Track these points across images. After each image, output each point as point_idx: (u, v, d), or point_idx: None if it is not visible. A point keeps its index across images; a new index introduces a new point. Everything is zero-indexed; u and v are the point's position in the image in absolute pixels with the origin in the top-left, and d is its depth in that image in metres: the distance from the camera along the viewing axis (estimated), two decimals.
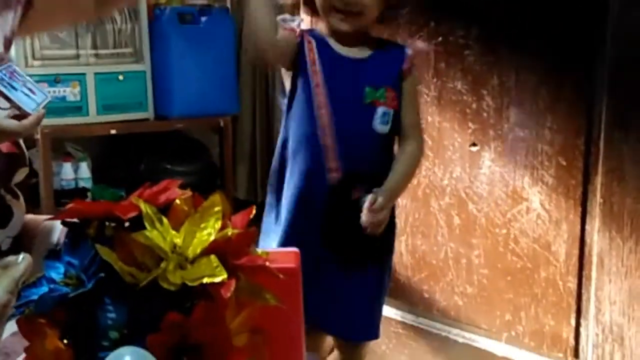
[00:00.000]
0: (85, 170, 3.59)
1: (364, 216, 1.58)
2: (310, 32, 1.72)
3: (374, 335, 1.82)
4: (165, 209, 0.98)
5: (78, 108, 3.57)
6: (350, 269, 1.69)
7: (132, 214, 0.94)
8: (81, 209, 0.94)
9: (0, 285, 0.81)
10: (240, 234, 0.97)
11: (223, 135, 3.89)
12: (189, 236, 0.94)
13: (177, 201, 0.98)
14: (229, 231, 0.96)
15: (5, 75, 1.02)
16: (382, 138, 1.66)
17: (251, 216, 1.04)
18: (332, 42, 1.69)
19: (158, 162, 3.78)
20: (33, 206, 3.31)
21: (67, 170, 3.53)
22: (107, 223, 0.95)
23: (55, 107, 3.37)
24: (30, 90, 1.07)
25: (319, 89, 1.63)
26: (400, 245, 2.30)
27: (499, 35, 2.06)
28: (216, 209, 0.98)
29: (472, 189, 2.15)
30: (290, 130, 1.70)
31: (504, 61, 2.05)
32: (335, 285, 1.69)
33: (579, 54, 1.92)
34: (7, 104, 1.01)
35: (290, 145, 1.70)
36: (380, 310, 1.84)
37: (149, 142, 3.85)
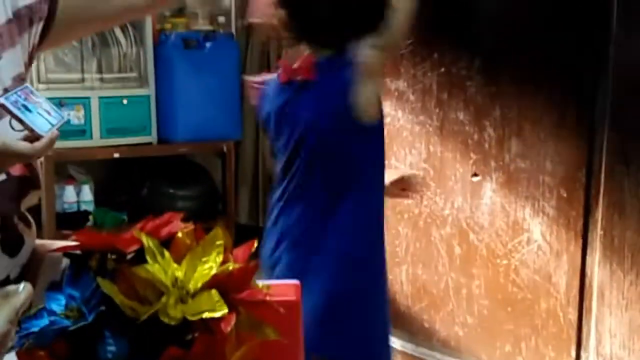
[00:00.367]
0: (87, 193, 3.60)
1: None
2: None
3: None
4: (167, 242, 0.98)
5: (82, 131, 3.58)
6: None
7: (134, 247, 0.94)
8: (83, 241, 0.94)
9: (1, 315, 0.81)
10: (242, 268, 0.98)
11: (226, 160, 3.90)
12: (190, 270, 0.95)
13: (179, 234, 0.98)
14: (230, 265, 0.96)
15: (20, 97, 1.03)
16: None
17: (253, 249, 1.04)
18: None
19: (160, 186, 3.79)
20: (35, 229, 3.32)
21: (69, 193, 3.54)
22: (109, 255, 0.95)
23: (60, 130, 3.38)
24: (46, 111, 1.08)
25: None
26: (401, 274, 2.30)
27: (501, 67, 2.07)
28: (218, 242, 0.99)
29: (473, 219, 2.15)
30: None
31: (505, 92, 2.07)
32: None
33: (581, 86, 1.93)
34: (20, 126, 1.01)
35: None
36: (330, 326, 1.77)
37: (152, 166, 3.86)
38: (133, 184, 3.80)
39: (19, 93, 1.03)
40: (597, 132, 1.90)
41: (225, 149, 3.88)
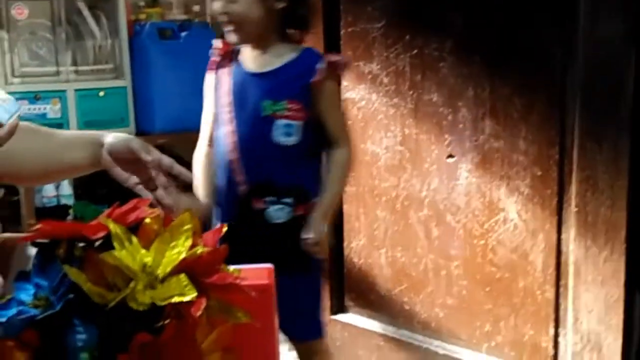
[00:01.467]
0: (66, 187, 3.58)
1: (307, 245, 1.66)
2: (233, 51, 1.76)
3: (313, 335, 1.83)
4: (135, 228, 0.98)
5: (59, 125, 3.56)
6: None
7: (101, 234, 0.94)
8: (50, 230, 0.94)
9: None
10: (211, 252, 0.98)
11: None
12: (158, 255, 0.95)
13: (147, 220, 0.98)
14: (199, 249, 0.96)
15: None
16: (289, 149, 1.67)
17: (222, 234, 1.04)
18: (245, 58, 1.72)
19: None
20: (14, 224, 3.30)
21: (48, 187, 3.52)
22: (76, 243, 0.95)
23: (35, 123, 3.36)
24: (1, 100, 1.08)
25: (227, 106, 1.68)
26: (380, 257, 2.31)
27: (472, 48, 2.08)
28: (186, 227, 0.99)
29: (449, 200, 2.16)
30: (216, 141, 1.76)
31: (478, 73, 2.07)
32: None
33: (551, 67, 1.94)
34: None
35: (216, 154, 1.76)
36: (314, 311, 1.83)
37: None
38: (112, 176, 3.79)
39: None
40: (569, 111, 1.91)
41: None
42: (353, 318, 2.41)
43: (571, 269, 1.95)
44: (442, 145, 2.16)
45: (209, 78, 1.75)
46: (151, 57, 3.72)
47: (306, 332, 1.79)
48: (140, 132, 3.76)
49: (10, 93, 1.09)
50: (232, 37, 1.67)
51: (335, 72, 1.68)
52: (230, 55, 1.74)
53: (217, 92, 1.72)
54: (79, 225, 0.93)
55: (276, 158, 1.66)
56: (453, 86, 2.13)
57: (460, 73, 2.11)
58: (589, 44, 1.86)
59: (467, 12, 2.08)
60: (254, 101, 1.67)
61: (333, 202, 1.74)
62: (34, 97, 3.46)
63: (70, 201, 3.58)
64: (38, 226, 0.95)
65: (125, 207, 0.99)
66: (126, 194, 3.50)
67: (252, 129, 1.66)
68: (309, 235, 1.65)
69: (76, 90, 3.60)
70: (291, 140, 1.65)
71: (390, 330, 2.35)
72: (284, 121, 1.66)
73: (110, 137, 1.19)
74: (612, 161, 1.85)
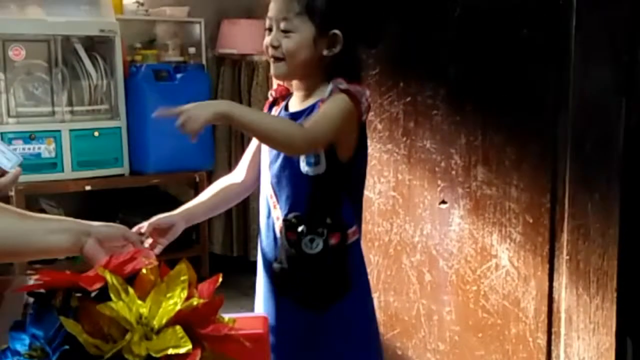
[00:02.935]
0: None
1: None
2: (287, 95, 1.76)
3: None
4: (132, 278, 0.99)
5: (53, 164, 3.57)
6: (308, 312, 1.69)
7: (98, 285, 0.95)
8: (47, 280, 0.95)
9: None
10: (206, 303, 0.99)
11: (198, 190, 3.89)
12: (154, 306, 0.95)
13: (144, 271, 0.99)
14: (195, 301, 0.97)
15: None
16: (315, 180, 1.66)
17: (217, 284, 1.05)
18: (291, 101, 1.73)
19: (133, 218, 3.75)
20: (6, 263, 3.29)
21: None
22: (73, 293, 0.96)
23: (30, 164, 3.38)
24: (2, 152, 1.12)
25: (267, 148, 1.69)
26: (373, 302, 2.31)
27: (465, 96, 2.11)
28: (182, 278, 1.00)
29: (442, 245, 2.18)
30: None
31: (470, 121, 2.10)
32: (296, 328, 1.68)
33: (543, 115, 1.97)
34: None
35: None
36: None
37: (124, 197, 3.85)
38: (105, 216, 3.78)
39: None
40: (560, 160, 1.94)
41: (197, 179, 3.89)
42: None
43: (563, 317, 1.96)
44: (435, 192, 2.18)
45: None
46: (146, 98, 3.75)
47: None
48: (133, 172, 3.78)
49: (5, 133, 1.12)
50: (275, 71, 1.68)
51: (348, 92, 1.66)
52: (284, 98, 1.76)
53: None
54: (76, 275, 0.94)
55: (306, 189, 1.66)
56: (446, 133, 2.15)
57: (453, 121, 2.14)
58: (580, 94, 1.89)
59: (460, 61, 2.12)
60: None
61: (241, 114, 1.53)
62: (29, 137, 3.48)
63: None
64: (36, 276, 0.95)
65: (122, 257, 1.00)
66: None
67: (283, 164, 1.67)
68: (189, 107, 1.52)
69: (71, 130, 3.62)
70: (319, 170, 1.64)
71: None
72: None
73: (101, 227, 1.19)
74: (603, 210, 1.87)
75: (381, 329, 2.33)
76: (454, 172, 2.14)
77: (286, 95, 1.77)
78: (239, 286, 3.15)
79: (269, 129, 1.55)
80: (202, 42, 4.16)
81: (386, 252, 2.29)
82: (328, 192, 1.65)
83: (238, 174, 1.80)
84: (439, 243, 2.19)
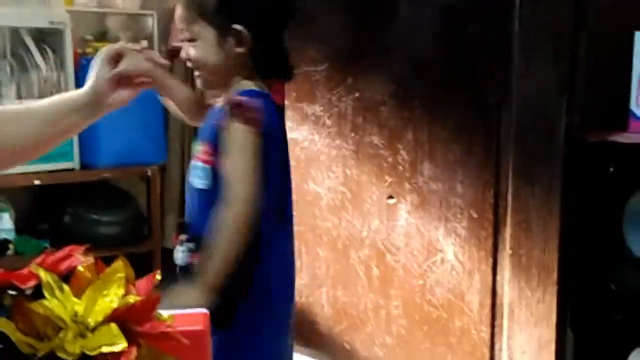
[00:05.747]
0: (7, 221, 3.52)
1: None
2: None
3: None
4: (67, 276, 0.98)
5: None
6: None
7: (32, 283, 0.94)
8: None
9: None
10: (143, 300, 0.99)
11: (151, 185, 3.87)
12: (90, 303, 0.95)
13: (80, 268, 0.99)
14: (132, 298, 0.97)
15: None
16: (201, 193, 1.57)
17: (155, 281, 1.05)
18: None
19: (84, 213, 3.73)
20: None
21: None
22: (6, 292, 0.95)
23: None
24: None
25: None
26: (321, 296, 2.33)
27: (412, 93, 2.14)
28: (119, 275, 0.99)
29: (389, 240, 2.20)
30: None
31: (417, 117, 2.13)
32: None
33: (487, 111, 2.01)
34: None
35: None
36: None
37: (75, 192, 3.80)
38: (55, 210, 3.74)
39: None
40: (503, 156, 1.97)
41: (149, 173, 3.86)
42: (294, 356, 2.41)
43: (506, 310, 2.00)
44: (383, 187, 2.21)
45: None
46: None
47: None
48: (84, 166, 3.73)
49: None
50: (198, 82, 1.61)
51: (244, 115, 1.58)
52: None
53: None
54: (9, 273, 0.93)
55: (193, 201, 1.61)
56: (393, 129, 2.18)
57: (401, 117, 2.16)
58: (523, 91, 1.93)
59: (407, 57, 2.14)
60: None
61: (213, 276, 1.44)
62: None
63: (11, 236, 3.52)
64: None
65: (58, 255, 0.99)
66: (68, 229, 3.46)
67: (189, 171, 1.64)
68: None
69: None
70: (203, 184, 1.56)
71: None
72: (196, 163, 1.61)
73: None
74: (545, 204, 1.91)
75: (329, 324, 2.35)
76: (401, 168, 2.17)
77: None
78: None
79: (226, 251, 1.45)
80: (155, 35, 4.12)
81: (334, 247, 2.31)
82: (209, 209, 1.55)
83: None
84: (387, 238, 2.21)
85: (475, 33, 2.03)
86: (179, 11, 1.56)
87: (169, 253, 4.15)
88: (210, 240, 1.44)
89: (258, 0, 1.56)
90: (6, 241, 3.49)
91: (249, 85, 1.55)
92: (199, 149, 1.57)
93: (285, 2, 1.62)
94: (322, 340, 2.35)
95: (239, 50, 1.53)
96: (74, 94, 1.37)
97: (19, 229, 3.57)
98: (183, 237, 1.57)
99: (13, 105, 1.28)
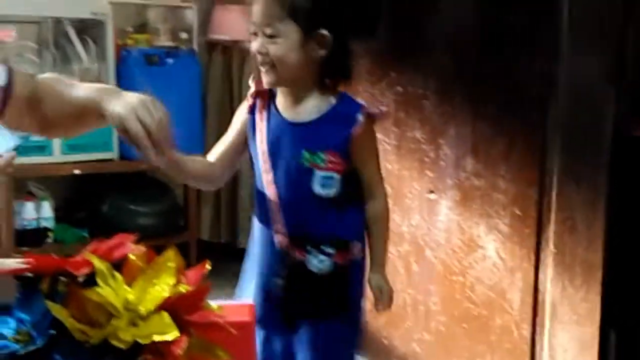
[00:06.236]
0: (47, 210, 3.56)
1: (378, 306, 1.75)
2: (268, 92, 1.72)
3: None
4: (119, 264, 0.99)
5: (42, 147, 3.55)
6: (302, 328, 1.69)
7: (85, 270, 0.95)
8: (34, 264, 0.95)
9: None
10: (193, 290, 0.99)
11: None
12: (142, 292, 0.96)
13: (131, 256, 0.99)
14: (182, 287, 0.97)
15: None
16: (328, 200, 1.65)
17: (205, 272, 1.05)
18: (280, 104, 1.69)
19: (122, 203, 3.76)
20: None
21: (28, 210, 3.50)
22: (60, 278, 0.96)
23: (19, 146, 3.36)
24: (1, 136, 1.11)
25: (264, 155, 1.65)
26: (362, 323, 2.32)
27: (455, 88, 2.12)
28: (170, 264, 1.00)
29: (429, 236, 2.19)
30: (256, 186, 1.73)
31: (460, 112, 2.11)
32: (290, 345, 1.69)
33: (532, 107, 1.98)
34: None
35: (255, 198, 1.73)
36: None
37: (113, 182, 3.83)
38: (94, 200, 3.78)
39: None
40: (548, 152, 1.95)
41: None
42: None
43: (548, 308, 1.97)
44: (424, 182, 2.19)
45: (241, 114, 1.72)
46: (137, 83, 3.72)
47: None
48: (123, 157, 3.76)
49: None
50: (266, 78, 1.63)
51: (374, 123, 1.66)
52: (265, 98, 1.70)
53: (252, 137, 1.69)
54: (64, 260, 0.94)
55: (316, 208, 1.64)
56: (436, 124, 2.16)
57: (443, 111, 2.14)
58: (570, 84, 1.90)
59: (449, 51, 2.12)
60: (292, 151, 1.64)
61: (384, 258, 1.76)
62: None
63: (50, 224, 3.56)
64: (24, 260, 0.95)
65: (110, 243, 1.00)
66: (106, 219, 3.50)
67: (292, 179, 1.63)
68: (379, 304, 1.75)
69: None
70: (331, 192, 1.63)
71: None
72: (323, 173, 1.63)
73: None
74: (590, 202, 1.88)
75: (368, 318, 2.34)
76: (443, 163, 2.15)
77: (266, 95, 1.72)
78: (226, 273, 3.15)
79: (387, 235, 1.77)
80: (194, 27, 4.14)
81: None
82: (337, 213, 1.64)
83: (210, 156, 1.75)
84: (427, 233, 2.20)
85: (519, 25, 2.00)
86: (260, 6, 1.57)
87: (204, 244, 4.17)
88: (374, 235, 1.72)
89: (349, 8, 1.60)
90: (46, 229, 3.54)
91: (334, 89, 1.62)
92: (324, 158, 1.61)
93: (371, 12, 1.68)
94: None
95: (321, 53, 1.57)
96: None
97: (58, 217, 3.62)
98: (308, 247, 1.60)
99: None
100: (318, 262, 1.61)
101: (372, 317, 2.33)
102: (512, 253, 2.03)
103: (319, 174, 1.61)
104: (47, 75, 1.32)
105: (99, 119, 1.25)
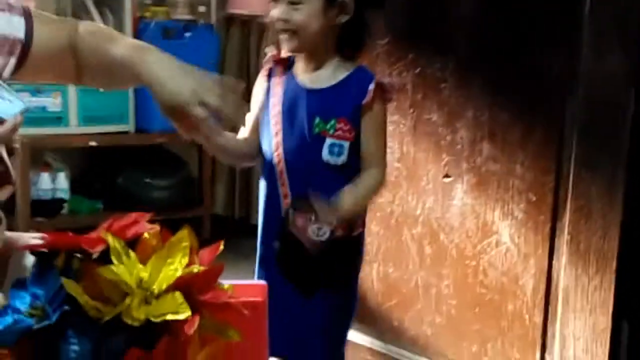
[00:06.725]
0: (63, 181, 3.59)
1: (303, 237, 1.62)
2: (288, 61, 1.73)
3: None
4: (133, 242, 0.99)
5: (59, 118, 3.57)
6: (303, 295, 1.70)
7: (100, 248, 0.95)
8: (49, 240, 0.95)
9: None
10: (206, 270, 0.99)
11: (202, 150, 3.90)
12: (155, 271, 0.96)
13: (145, 235, 0.99)
14: (195, 267, 0.98)
15: None
16: (336, 169, 1.65)
17: (218, 252, 1.05)
18: (299, 70, 1.70)
19: (137, 176, 3.78)
20: (8, 214, 3.31)
21: (44, 181, 3.52)
22: (75, 255, 0.96)
23: (36, 117, 3.37)
24: (8, 100, 1.08)
25: (276, 117, 1.66)
26: (372, 272, 2.33)
27: (474, 71, 2.10)
28: (183, 244, 1.00)
29: (444, 219, 2.18)
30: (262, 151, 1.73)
31: (478, 96, 2.09)
32: (292, 312, 1.69)
33: (552, 94, 1.96)
34: None
35: (262, 165, 1.73)
36: (338, 338, 1.82)
37: (129, 155, 3.85)
38: (109, 172, 3.80)
39: None
40: (566, 140, 1.93)
41: None
42: None
43: (560, 296, 1.97)
44: (439, 165, 2.18)
45: (260, 83, 1.73)
46: None
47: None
48: (138, 130, 3.77)
49: (10, 84, 1.10)
50: (287, 45, 1.64)
51: (385, 95, 1.66)
52: (284, 65, 1.72)
53: (267, 100, 1.70)
54: (78, 237, 0.94)
55: (322, 176, 1.64)
56: (453, 107, 2.14)
57: (461, 95, 2.13)
58: (591, 75, 1.88)
59: (471, 34, 2.10)
60: (304, 117, 1.65)
61: (351, 202, 1.65)
62: (35, 90, 3.47)
63: (65, 195, 3.59)
64: (40, 235, 0.96)
65: (125, 221, 1.00)
66: (121, 191, 3.51)
67: (301, 144, 1.64)
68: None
69: (77, 86, 3.61)
70: (339, 160, 1.63)
71: (378, 345, 2.36)
72: (333, 140, 1.64)
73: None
74: (607, 191, 1.86)
75: (379, 300, 2.35)
76: (459, 147, 2.14)
77: (285, 61, 1.73)
78: (239, 249, 3.16)
79: (365, 201, 1.72)
80: (213, 1, 4.12)
81: (388, 223, 2.30)
82: (344, 182, 1.64)
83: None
84: (441, 217, 2.19)
85: (543, 16, 1.97)
86: None
87: (218, 219, 4.17)
88: (352, 190, 1.66)
89: None
90: (61, 200, 3.57)
91: (351, 61, 1.62)
92: (335, 126, 1.61)
93: None
94: (370, 316, 2.35)
95: (341, 19, 1.58)
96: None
97: (73, 188, 3.64)
98: (311, 215, 1.60)
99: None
100: (317, 229, 1.61)
101: (383, 298, 2.33)
102: (526, 239, 2.02)
103: (328, 141, 1.62)
104: (88, 24, 1.26)
105: (136, 81, 1.17)
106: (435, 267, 2.21)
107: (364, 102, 1.63)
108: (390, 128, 2.26)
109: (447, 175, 2.17)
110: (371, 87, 1.63)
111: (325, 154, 1.63)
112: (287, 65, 1.72)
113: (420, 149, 2.22)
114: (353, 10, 1.62)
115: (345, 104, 1.64)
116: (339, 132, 1.63)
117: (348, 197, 1.64)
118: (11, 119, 1.04)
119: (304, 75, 1.69)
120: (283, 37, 1.63)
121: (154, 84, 1.13)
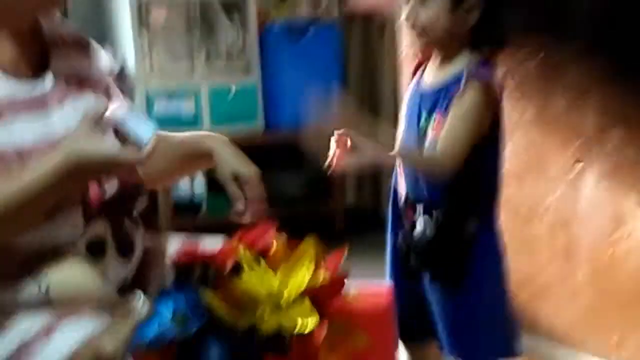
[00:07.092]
0: (200, 181, 3.74)
1: None
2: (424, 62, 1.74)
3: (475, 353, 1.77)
4: (262, 252, 1.05)
5: (194, 121, 3.73)
6: (442, 285, 1.69)
7: (232, 260, 1.01)
8: (187, 255, 1.03)
9: (118, 335, 0.87)
10: (333, 277, 1.03)
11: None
12: (284, 280, 1.01)
13: (274, 245, 1.05)
14: (322, 275, 1.02)
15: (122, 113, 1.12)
16: None
17: (344, 257, 1.09)
18: (428, 70, 1.70)
19: (268, 174, 3.88)
20: (152, 215, 3.49)
21: (183, 182, 3.69)
22: (210, 267, 1.03)
23: (171, 120, 3.54)
24: (143, 122, 1.15)
25: (401, 118, 1.70)
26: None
27: (602, 51, 2.02)
28: (310, 252, 1.05)
29: (574, 209, 2.12)
30: None
31: (608, 78, 2.02)
32: (431, 301, 1.69)
33: None
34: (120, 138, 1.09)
35: None
36: (484, 329, 1.78)
37: (259, 152, 3.95)
38: None
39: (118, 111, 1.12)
40: None
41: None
42: None
43: None
44: (568, 152, 2.12)
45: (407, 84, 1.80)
46: (279, 54, 3.82)
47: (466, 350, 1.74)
48: (268, 128, 3.88)
49: (151, 89, 1.17)
50: (417, 42, 1.69)
51: (481, 84, 1.60)
52: (421, 65, 1.75)
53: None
54: (212, 254, 1.01)
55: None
56: (581, 91, 2.08)
57: (589, 76, 2.06)
58: None
59: (599, 18, 2.03)
60: (415, 112, 1.69)
61: (402, 154, 1.66)
62: (171, 95, 3.64)
63: (203, 195, 3.74)
64: (179, 251, 1.03)
65: (254, 232, 1.06)
66: None
67: (412, 140, 1.68)
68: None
69: (209, 87, 3.75)
70: None
71: None
72: (432, 136, 1.65)
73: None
74: None
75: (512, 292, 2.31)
76: (589, 133, 2.07)
77: (422, 62, 1.74)
78: (369, 242, 3.19)
79: (419, 165, 1.65)
80: None
81: (516, 214, 2.26)
82: (450, 181, 1.62)
83: None
84: (572, 206, 2.13)
85: None
86: None
87: (349, 212, 4.20)
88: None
89: None
90: (200, 200, 3.72)
91: (475, 56, 1.60)
92: (434, 121, 1.63)
93: None
94: None
95: (470, 18, 1.58)
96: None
97: (210, 188, 3.79)
98: (418, 208, 1.63)
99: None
100: (424, 226, 1.61)
101: (516, 291, 2.30)
102: None
103: (429, 137, 1.62)
104: None
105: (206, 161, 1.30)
106: (568, 258, 2.16)
107: (455, 93, 1.59)
108: (515, 115, 2.22)
109: (577, 161, 2.11)
110: (463, 79, 1.60)
111: (427, 150, 1.64)
112: (423, 64, 1.73)
113: (548, 136, 2.17)
114: (483, 9, 1.60)
115: (446, 99, 1.63)
116: (437, 128, 1.62)
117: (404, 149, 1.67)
118: (149, 144, 1.11)
119: (430, 75, 1.70)
120: (414, 35, 1.66)
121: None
